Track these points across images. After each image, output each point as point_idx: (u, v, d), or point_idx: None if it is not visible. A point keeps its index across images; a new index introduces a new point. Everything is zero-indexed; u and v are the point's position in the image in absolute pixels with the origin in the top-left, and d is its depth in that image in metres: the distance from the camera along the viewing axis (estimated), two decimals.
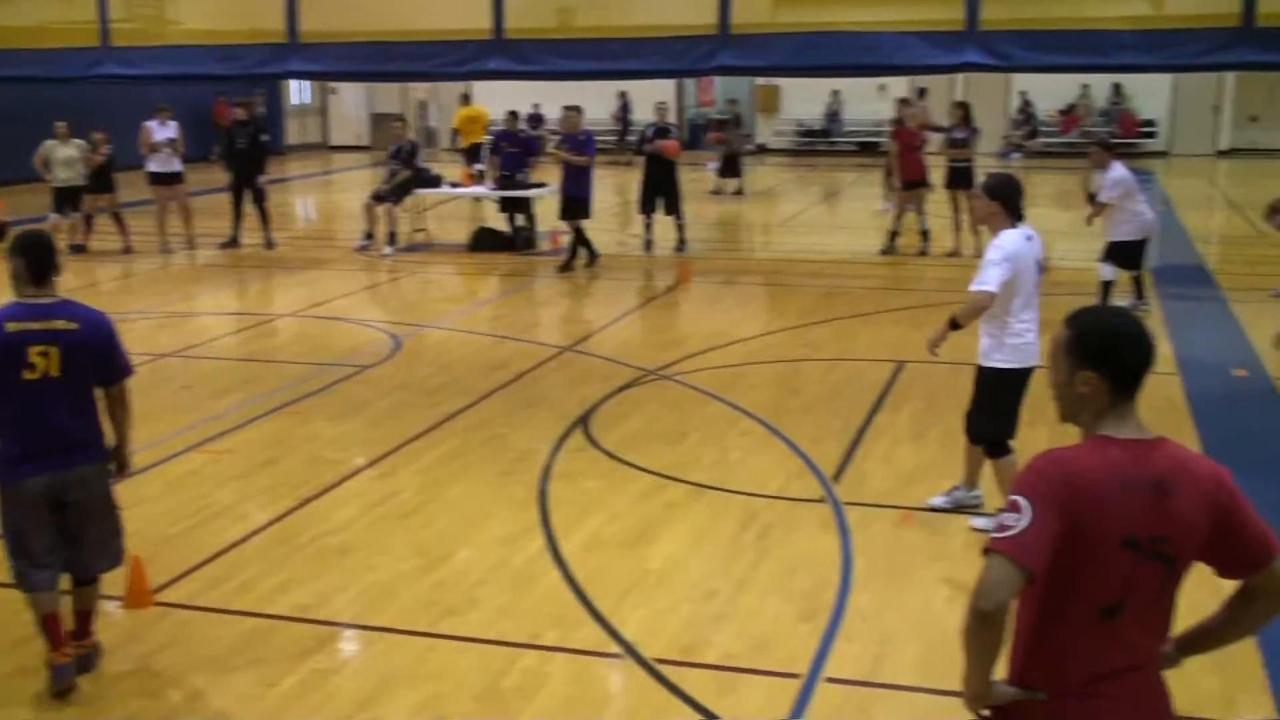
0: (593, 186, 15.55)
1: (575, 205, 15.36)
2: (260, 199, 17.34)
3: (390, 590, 6.10)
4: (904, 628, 5.64)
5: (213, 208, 18.72)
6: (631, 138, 32.41)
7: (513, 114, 18.53)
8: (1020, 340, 6.69)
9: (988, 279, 6.48)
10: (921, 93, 24.01)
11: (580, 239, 15.39)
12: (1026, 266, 6.55)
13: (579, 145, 15.38)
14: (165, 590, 6.07)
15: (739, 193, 23.34)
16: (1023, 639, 2.85)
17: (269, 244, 17.26)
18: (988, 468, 6.93)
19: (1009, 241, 6.50)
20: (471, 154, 21.14)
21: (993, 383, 6.78)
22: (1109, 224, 12.09)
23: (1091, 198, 12.26)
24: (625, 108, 32.55)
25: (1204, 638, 3.00)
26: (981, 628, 2.68)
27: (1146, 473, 2.74)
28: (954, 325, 6.78)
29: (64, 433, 5.03)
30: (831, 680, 5.19)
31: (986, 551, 2.71)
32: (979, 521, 6.74)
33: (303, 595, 6.03)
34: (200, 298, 14.51)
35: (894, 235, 16.36)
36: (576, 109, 15.82)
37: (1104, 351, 2.82)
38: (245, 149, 17.25)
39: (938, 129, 18.31)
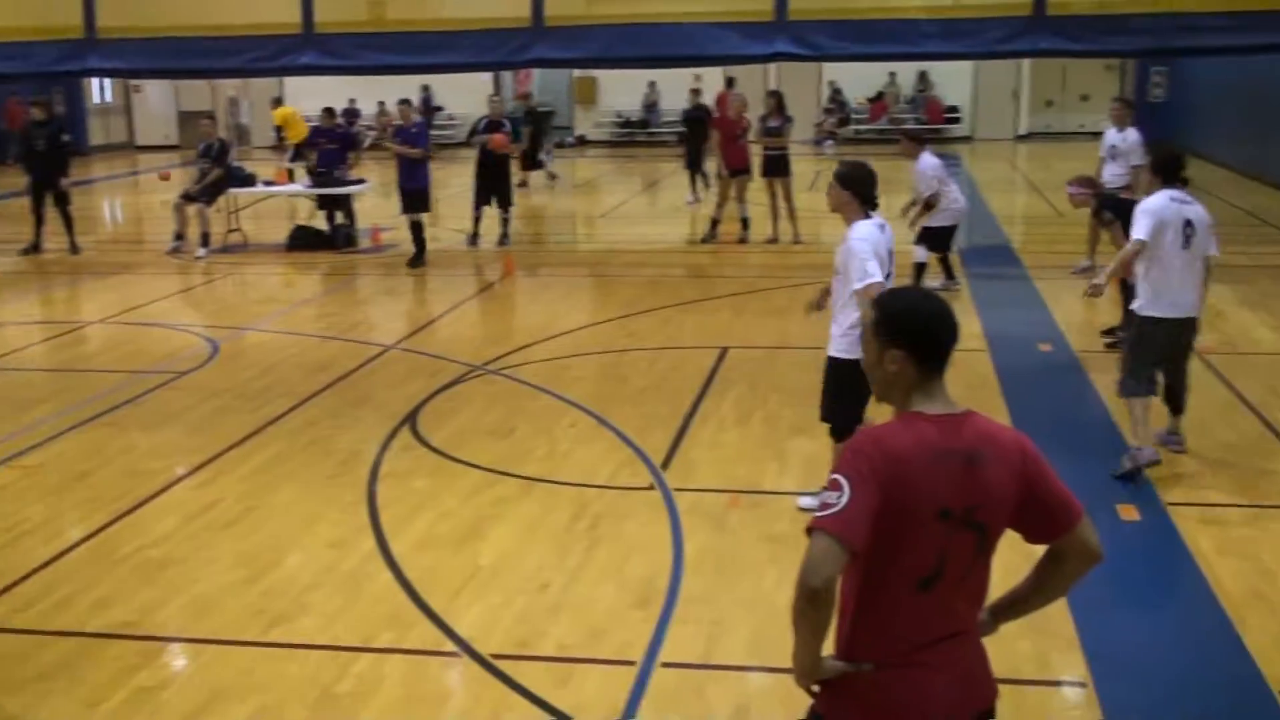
0: (430, 179, 15.34)
1: (413, 199, 15.15)
2: (63, 202, 16.65)
3: (216, 601, 5.96)
4: (736, 608, 5.75)
5: (12, 213, 17.90)
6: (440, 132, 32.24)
7: (329, 110, 18.23)
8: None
9: (872, 270, 6.28)
10: (730, 82, 24.33)
11: (418, 234, 15.16)
12: (881, 258, 6.43)
13: (412, 138, 15.17)
14: None
15: (553, 177, 23.45)
16: (847, 613, 2.93)
17: (74, 249, 16.60)
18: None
19: (864, 232, 6.43)
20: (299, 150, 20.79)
21: (839, 372, 6.59)
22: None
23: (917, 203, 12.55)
24: (428, 101, 32.22)
25: (1017, 603, 3.13)
26: (810, 605, 2.75)
27: (957, 446, 2.85)
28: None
29: None
30: (667, 665, 5.26)
31: (810, 530, 2.78)
32: (805, 500, 6.83)
33: (124, 611, 5.84)
34: (1, 306, 13.88)
35: (715, 223, 16.60)
36: (408, 102, 15.64)
37: (909, 330, 2.92)
38: (44, 150, 16.54)
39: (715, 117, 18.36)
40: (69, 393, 9.70)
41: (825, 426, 6.87)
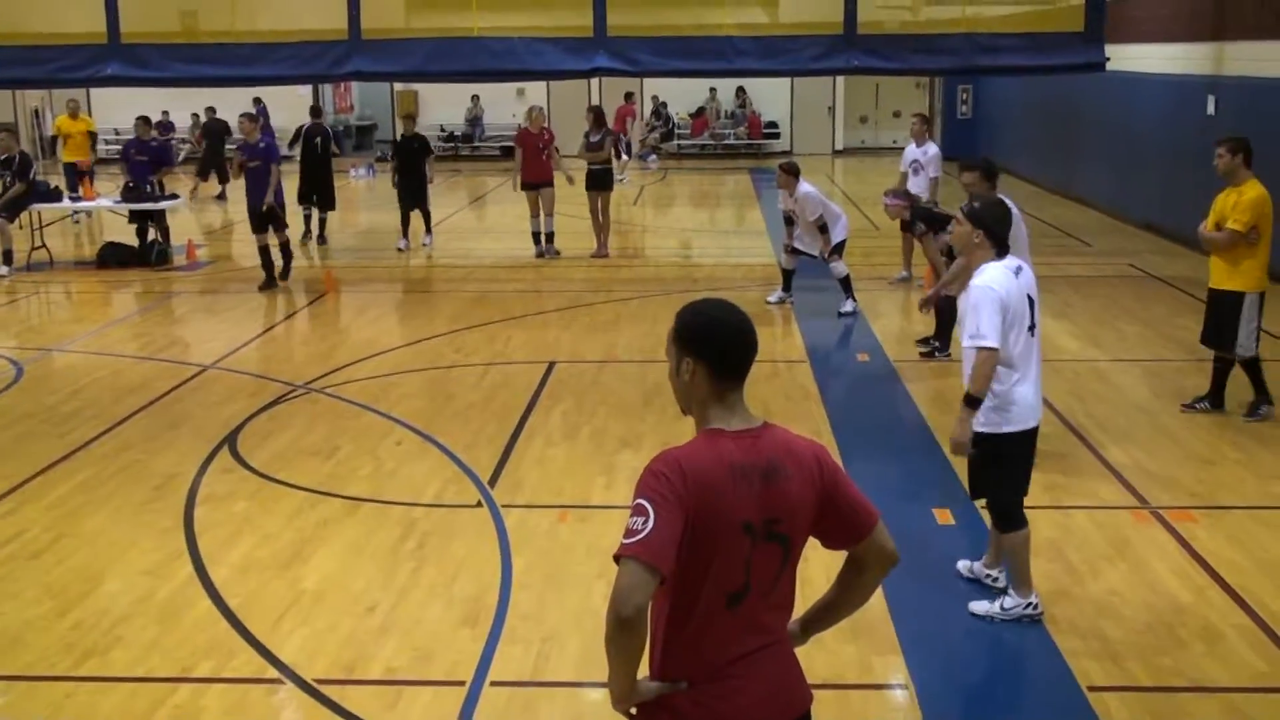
0: (281, 194, 14.74)
1: (264, 218, 14.53)
2: None
3: (19, 637, 5.69)
4: (565, 625, 5.75)
5: None
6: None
7: (143, 120, 17.65)
8: (1016, 401, 5.59)
9: (985, 330, 5.42)
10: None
11: (266, 256, 14.57)
12: (1020, 308, 5.54)
13: (261, 154, 14.57)
14: None
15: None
16: (659, 634, 2.95)
17: None
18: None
19: (996, 278, 5.50)
20: (72, 172, 19.81)
21: (982, 448, 5.64)
22: (803, 236, 12.57)
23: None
24: (264, 113, 31.46)
25: (824, 613, 3.18)
26: (621, 633, 2.75)
27: (755, 460, 2.89)
28: (973, 403, 5.49)
29: None
30: (496, 683, 5.23)
31: (617, 558, 2.78)
32: (978, 606, 5.88)
33: None
34: None
35: (536, 236, 16.56)
36: (251, 116, 15.18)
37: (703, 340, 2.96)
38: None
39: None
40: None
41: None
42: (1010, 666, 5.58)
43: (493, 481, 7.68)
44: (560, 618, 5.82)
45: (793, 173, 12.49)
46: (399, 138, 17.40)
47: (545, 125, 16.61)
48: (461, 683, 5.22)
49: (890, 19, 15.41)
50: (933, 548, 6.57)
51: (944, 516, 7.03)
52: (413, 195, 16.95)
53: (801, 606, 3.14)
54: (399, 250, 16.82)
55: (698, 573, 2.87)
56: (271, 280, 14.38)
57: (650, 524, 2.77)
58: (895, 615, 5.71)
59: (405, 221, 17.09)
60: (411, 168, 16.83)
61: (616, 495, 7.42)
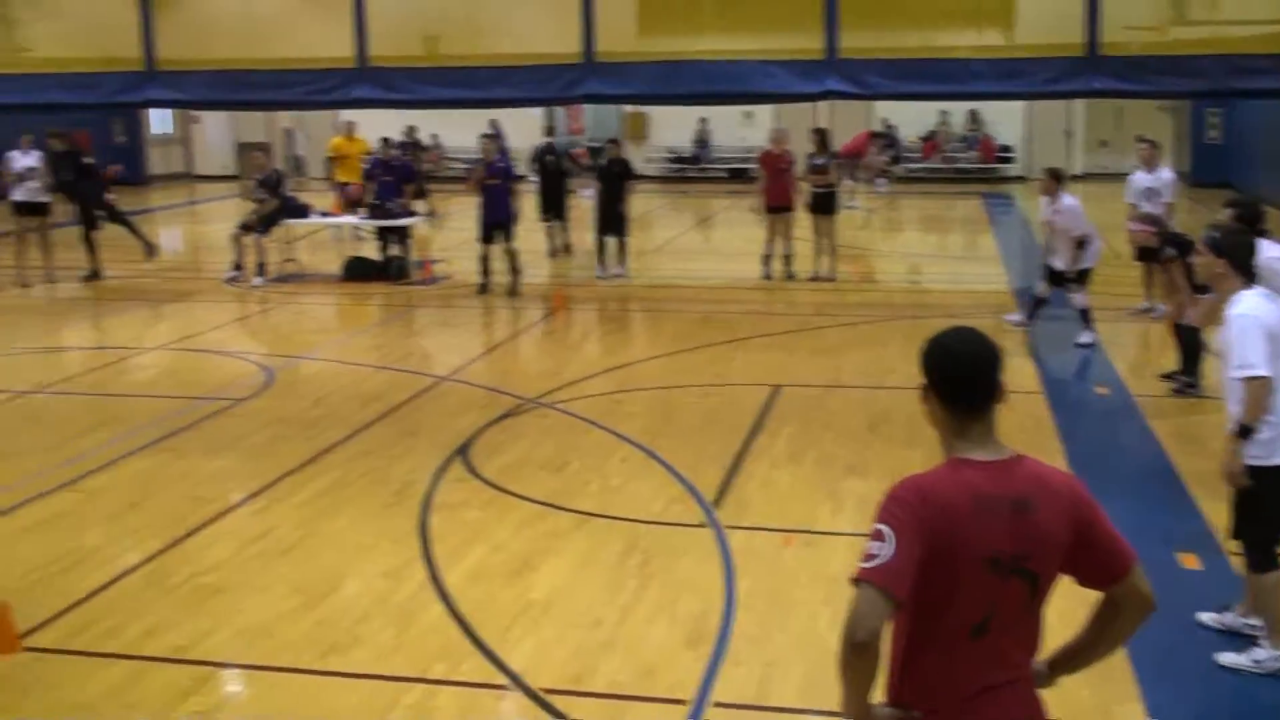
0: (511, 211, 15.42)
1: (495, 229, 15.26)
2: (115, 216, 17.00)
3: (269, 629, 5.98)
4: (789, 649, 5.71)
5: (71, 241, 18.13)
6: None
7: (386, 141, 18.40)
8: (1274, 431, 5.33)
9: (1253, 359, 5.21)
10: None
11: (486, 263, 15.32)
12: (1275, 335, 5.30)
13: (500, 172, 15.38)
14: (33, 635, 5.86)
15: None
16: (897, 661, 2.91)
17: (150, 250, 17.02)
18: None
19: (1255, 306, 5.32)
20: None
21: (1261, 484, 5.37)
22: (1056, 248, 12.27)
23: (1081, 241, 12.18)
24: (498, 135, 32.49)
25: (1075, 654, 3.07)
26: (855, 657, 2.73)
27: (1004, 492, 2.82)
28: (1245, 433, 5.30)
29: None
30: (719, 705, 5.23)
31: (854, 581, 2.76)
32: (1228, 658, 5.59)
33: (177, 637, 5.87)
34: (63, 332, 14.10)
35: (767, 259, 16.57)
36: (491, 136, 15.80)
37: (934, 370, 2.92)
38: (72, 180, 16.83)
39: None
40: (128, 418, 9.81)
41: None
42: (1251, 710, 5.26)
43: (717, 502, 7.69)
44: (784, 642, 5.78)
45: (1058, 178, 12.16)
46: (604, 162, 17.57)
47: (788, 147, 16.58)
48: (683, 702, 5.24)
49: (1134, 39, 14.82)
50: (1176, 593, 6.26)
51: (1189, 561, 6.70)
52: (611, 223, 16.77)
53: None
54: (598, 279, 16.61)
55: (937, 602, 2.81)
56: (485, 287, 15.08)
57: (888, 549, 2.74)
58: (1136, 662, 5.46)
59: (601, 247, 16.83)
60: (613, 194, 16.71)
61: (842, 522, 7.34)
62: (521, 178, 16.69)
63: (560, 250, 18.63)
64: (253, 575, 6.64)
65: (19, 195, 16.65)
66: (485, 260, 15.30)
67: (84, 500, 7.89)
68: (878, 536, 2.77)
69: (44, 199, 16.71)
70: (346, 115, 21.42)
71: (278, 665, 5.60)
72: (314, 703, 5.28)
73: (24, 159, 16.62)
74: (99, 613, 6.17)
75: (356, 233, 19.10)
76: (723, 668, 5.54)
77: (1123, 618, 2.98)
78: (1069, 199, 12.06)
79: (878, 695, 2.87)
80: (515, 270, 15.27)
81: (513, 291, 15.09)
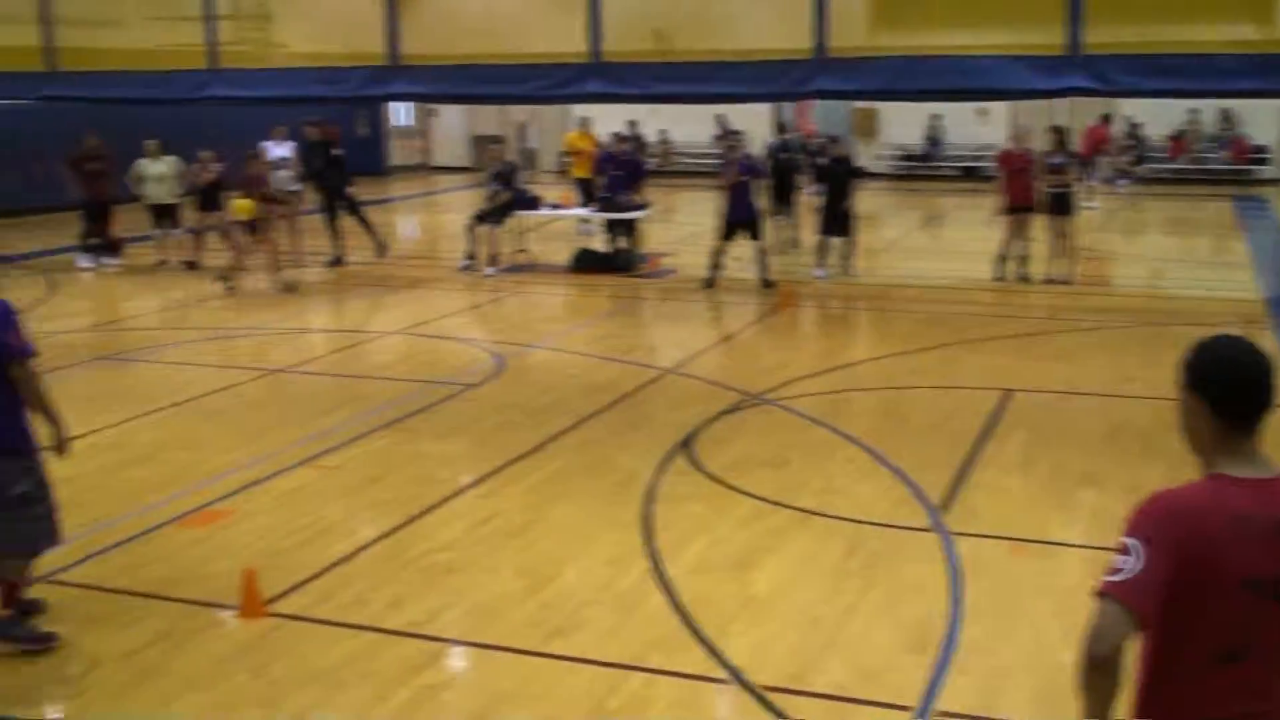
0: (755, 209, 15.55)
1: (739, 226, 15.42)
2: (354, 209, 17.74)
3: (497, 609, 6.14)
4: (1017, 661, 5.54)
5: (317, 227, 19.02)
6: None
7: (618, 135, 18.64)
8: None
9: None
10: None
11: (718, 258, 15.49)
12: None
13: (749, 169, 15.57)
14: (278, 602, 6.16)
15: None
16: (1143, 682, 2.79)
17: (380, 249, 17.67)
18: None
19: None
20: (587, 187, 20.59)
21: None
22: None
23: None
24: (726, 131, 32.60)
25: None
26: (1094, 672, 2.63)
27: (1269, 512, 2.66)
28: None
29: None
30: (944, 714, 5.11)
31: (1097, 595, 2.66)
32: None
33: (412, 612, 6.08)
34: (308, 315, 14.77)
35: (1003, 260, 16.14)
36: (737, 133, 15.94)
37: (1207, 379, 2.76)
38: (322, 168, 17.61)
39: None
40: (366, 399, 10.22)
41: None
42: None
43: (944, 507, 7.52)
44: (1012, 653, 5.61)
45: None
46: (828, 160, 17.30)
47: (1030, 146, 16.11)
48: (907, 708, 5.14)
49: None
50: None
51: None
52: (834, 222, 16.38)
53: None
54: (815, 278, 16.20)
55: (1185, 624, 2.68)
56: (712, 282, 15.18)
57: (1134, 564, 2.62)
58: None
59: (823, 247, 16.46)
60: (838, 192, 16.30)
61: (1075, 533, 7.08)
62: (767, 175, 16.77)
63: (789, 246, 18.59)
64: (481, 556, 6.83)
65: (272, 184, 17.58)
66: (718, 255, 15.36)
67: (325, 476, 8.26)
68: (1125, 551, 2.66)
69: (294, 187, 17.60)
70: (579, 111, 21.79)
71: (503, 645, 5.74)
72: (537, 684, 5.38)
73: (277, 149, 17.54)
74: (339, 584, 6.44)
75: (586, 226, 19.45)
76: (948, 676, 5.41)
77: None
78: None
79: (1123, 713, 2.75)
80: (765, 266, 15.35)
81: (767, 284, 15.13)
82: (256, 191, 15.72)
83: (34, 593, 6.02)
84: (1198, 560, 2.63)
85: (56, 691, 5.40)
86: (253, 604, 6.02)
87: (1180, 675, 2.73)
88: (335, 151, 18.06)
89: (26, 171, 17.78)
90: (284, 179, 17.40)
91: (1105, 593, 2.64)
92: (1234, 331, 2.98)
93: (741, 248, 15.67)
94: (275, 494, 7.86)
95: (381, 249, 17.96)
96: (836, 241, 16.40)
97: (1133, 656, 2.72)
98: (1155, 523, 2.67)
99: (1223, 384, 2.75)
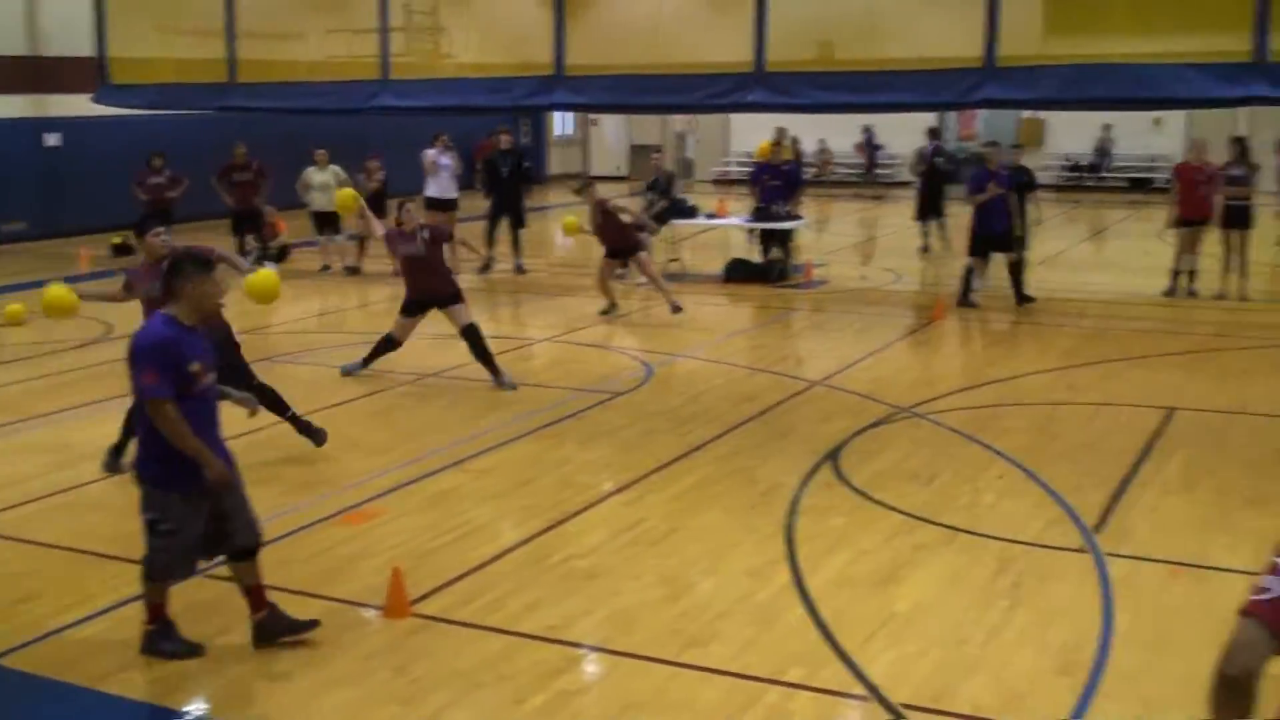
0: (1010, 221, 14.94)
1: (985, 242, 15.01)
2: (519, 225, 17.97)
3: (635, 616, 6.15)
4: (1170, 689, 5.32)
5: (473, 234, 19.35)
6: (882, 170, 32.20)
7: (776, 145, 18.58)
8: None
9: None
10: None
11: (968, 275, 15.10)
12: None
13: (1005, 181, 14.95)
14: (422, 602, 6.27)
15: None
16: None
17: (519, 269, 17.87)
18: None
19: None
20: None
21: None
22: None
23: None
24: (870, 141, 32.26)
25: None
26: (1225, 691, 2.55)
27: None
28: None
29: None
30: None
31: (1240, 613, 2.58)
32: None
33: (551, 616, 6.13)
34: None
35: (1176, 274, 15.60)
36: (994, 144, 15.73)
37: None
38: (507, 178, 17.90)
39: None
40: (516, 404, 10.36)
41: None
42: None
43: (1099, 527, 7.28)
44: (1164, 683, 5.39)
45: None
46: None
47: (1207, 158, 15.53)
48: None
49: None
50: None
51: None
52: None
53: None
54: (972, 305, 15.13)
55: None
56: (966, 300, 14.80)
57: None
58: None
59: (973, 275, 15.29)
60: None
61: (1238, 558, 6.77)
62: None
63: (933, 249, 18.42)
64: (623, 563, 6.85)
65: (431, 190, 17.99)
66: (969, 272, 14.98)
67: (473, 479, 8.39)
68: (1274, 570, 2.57)
69: (453, 195, 17.98)
70: (770, 120, 21.57)
71: (641, 654, 5.74)
72: (672, 693, 5.37)
73: (440, 158, 17.97)
74: (482, 586, 6.53)
75: (751, 238, 19.37)
76: (1095, 701, 5.23)
77: None
78: None
79: None
80: (1016, 280, 14.91)
81: (1023, 299, 14.77)
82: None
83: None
84: None
85: (205, 684, 5.57)
86: (398, 604, 6.14)
87: None
88: (526, 164, 18.43)
89: (205, 179, 18.60)
90: (444, 185, 17.79)
91: (1246, 611, 2.57)
92: None
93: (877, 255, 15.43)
94: (425, 496, 8.02)
95: (520, 269, 18.08)
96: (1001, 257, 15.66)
97: None
98: None
99: None
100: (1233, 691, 2.54)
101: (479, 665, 5.61)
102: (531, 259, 18.43)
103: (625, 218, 14.52)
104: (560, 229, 15.93)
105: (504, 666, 5.60)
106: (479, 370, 11.02)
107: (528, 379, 11.32)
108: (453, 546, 7.10)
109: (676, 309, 13.98)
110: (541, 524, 7.45)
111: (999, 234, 14.79)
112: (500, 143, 18.42)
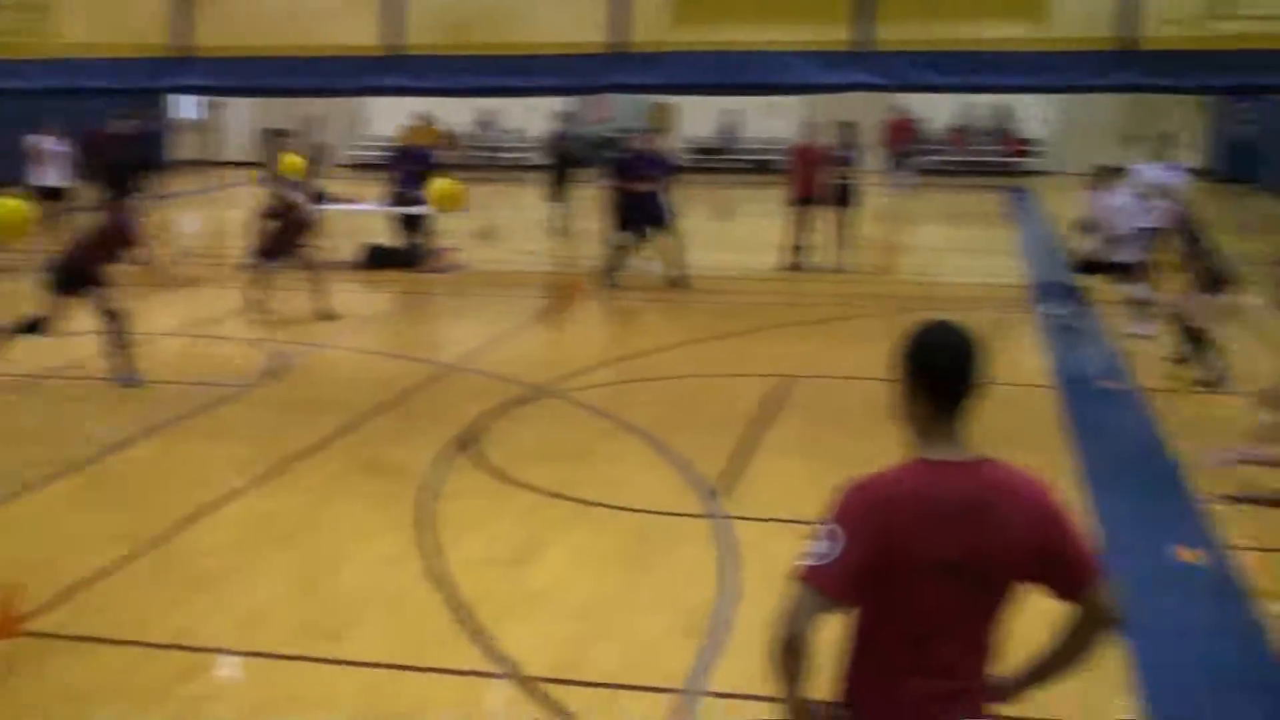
0: (663, 204, 15.41)
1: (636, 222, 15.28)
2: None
3: (268, 614, 5.97)
4: None
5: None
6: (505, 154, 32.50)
7: (421, 129, 18.43)
8: None
9: None
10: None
11: (614, 257, 15.28)
12: None
13: (653, 165, 15.41)
14: (34, 619, 5.85)
15: None
16: (844, 662, 2.88)
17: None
18: None
19: None
20: None
21: None
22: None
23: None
24: (490, 124, 32.87)
25: (1037, 670, 2.97)
26: (781, 653, 2.71)
27: (961, 495, 2.74)
28: None
29: None
30: (716, 694, 5.19)
31: (793, 578, 2.74)
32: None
33: (177, 621, 5.86)
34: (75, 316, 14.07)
35: (796, 249, 16.53)
36: (656, 130, 15.93)
37: (915, 363, 2.84)
38: (126, 164, 16.97)
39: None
40: (135, 402, 9.81)
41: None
42: (1245, 701, 5.19)
43: (724, 493, 7.64)
44: None
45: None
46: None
47: (821, 140, 16.54)
48: (680, 690, 5.20)
49: None
50: (1178, 585, 6.22)
51: (1189, 555, 6.62)
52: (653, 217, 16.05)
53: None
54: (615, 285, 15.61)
55: (880, 605, 2.77)
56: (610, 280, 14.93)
57: (830, 549, 2.71)
58: (1132, 655, 5.39)
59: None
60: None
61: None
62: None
63: (564, 229, 18.89)
64: (252, 560, 6.64)
65: (42, 179, 16.84)
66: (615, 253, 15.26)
67: (88, 484, 7.92)
68: (821, 535, 2.74)
69: (66, 184, 16.86)
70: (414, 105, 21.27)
71: (274, 652, 5.58)
72: (308, 689, 5.25)
73: (50, 144, 16.86)
74: (100, 597, 6.16)
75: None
76: (719, 660, 5.49)
77: (1083, 632, 2.88)
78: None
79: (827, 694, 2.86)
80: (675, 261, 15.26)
81: (677, 281, 15.02)
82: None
83: None
84: (892, 543, 2.71)
85: None
86: (5, 622, 5.70)
87: (877, 654, 2.82)
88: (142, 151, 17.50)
89: None
90: (55, 175, 16.65)
91: (798, 576, 2.72)
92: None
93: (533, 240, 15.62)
94: (32, 506, 7.48)
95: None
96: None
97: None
98: (852, 508, 2.75)
99: (926, 369, 2.82)
100: (787, 651, 2.70)
101: (98, 679, 5.30)
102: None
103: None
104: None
105: (126, 678, 5.31)
106: (90, 369, 10.36)
107: (148, 375, 10.73)
108: (66, 557, 6.65)
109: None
110: (164, 526, 7.08)
111: (651, 214, 15.21)
112: (119, 129, 17.35)
